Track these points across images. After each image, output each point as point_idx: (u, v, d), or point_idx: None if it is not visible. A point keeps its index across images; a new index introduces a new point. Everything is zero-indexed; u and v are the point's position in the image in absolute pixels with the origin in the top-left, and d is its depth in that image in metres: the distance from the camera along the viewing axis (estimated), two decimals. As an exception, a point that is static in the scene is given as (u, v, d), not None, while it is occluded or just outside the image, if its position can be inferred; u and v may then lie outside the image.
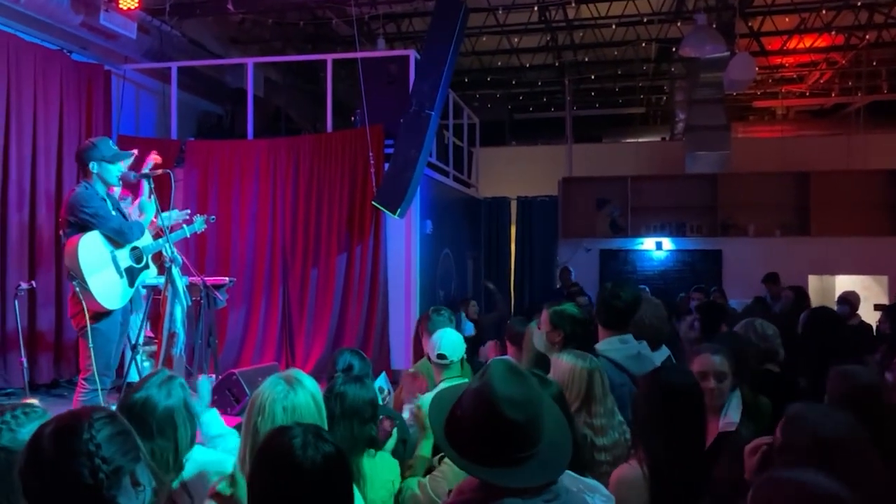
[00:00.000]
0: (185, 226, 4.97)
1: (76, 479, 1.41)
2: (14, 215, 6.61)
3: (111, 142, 4.40)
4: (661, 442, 2.31)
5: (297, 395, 2.06)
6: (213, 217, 5.55)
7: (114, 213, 4.40)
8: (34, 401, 4.99)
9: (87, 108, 7.54)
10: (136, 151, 4.71)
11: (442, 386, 3.33)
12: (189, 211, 5.27)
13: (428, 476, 2.49)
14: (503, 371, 1.67)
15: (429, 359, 3.69)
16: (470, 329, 7.84)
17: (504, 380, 1.63)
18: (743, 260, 11.11)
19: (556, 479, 1.67)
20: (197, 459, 2.45)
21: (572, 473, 1.80)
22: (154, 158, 4.94)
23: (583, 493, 1.87)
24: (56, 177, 7.06)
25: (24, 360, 4.96)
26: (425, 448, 2.67)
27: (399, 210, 6.94)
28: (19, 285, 4.89)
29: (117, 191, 5.49)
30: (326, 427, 2.16)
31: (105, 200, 4.32)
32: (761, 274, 9.23)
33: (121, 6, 7.00)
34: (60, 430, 1.45)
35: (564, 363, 2.80)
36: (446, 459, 2.50)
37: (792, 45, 12.05)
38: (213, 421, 2.76)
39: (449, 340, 3.57)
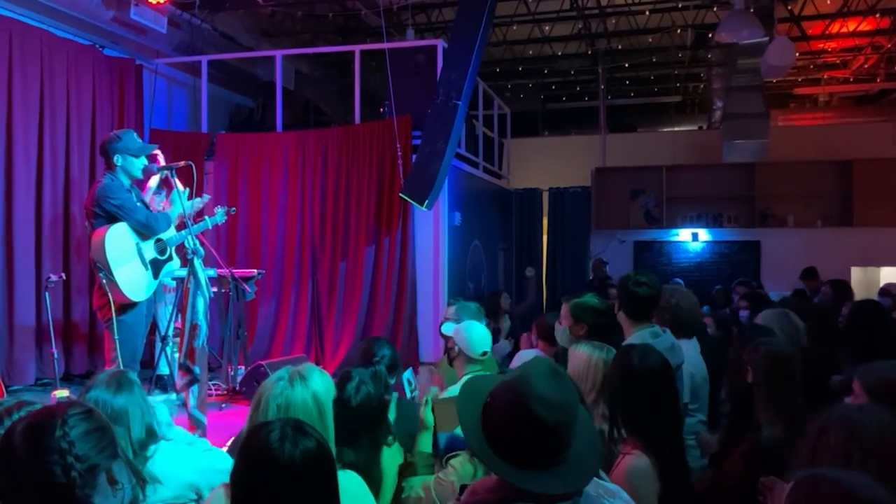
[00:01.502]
0: (206, 217, 4.98)
1: (48, 478, 1.37)
2: (48, 209, 6.71)
3: (135, 135, 4.42)
4: (655, 429, 2.33)
5: (294, 391, 2.01)
6: (234, 209, 5.56)
7: (139, 205, 4.43)
8: (66, 391, 5.06)
9: (119, 102, 7.62)
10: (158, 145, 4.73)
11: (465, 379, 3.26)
12: (209, 196, 5.27)
13: (433, 478, 2.42)
14: (543, 370, 1.61)
15: (451, 354, 3.58)
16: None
17: (542, 378, 1.57)
18: (782, 252, 10.82)
19: (582, 488, 1.61)
20: (219, 468, 2.39)
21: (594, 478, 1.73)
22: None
23: (602, 498, 1.79)
24: (89, 171, 7.16)
25: (55, 350, 5.02)
26: (424, 443, 2.60)
27: (426, 202, 6.88)
28: (49, 277, 4.95)
29: (155, 183, 5.54)
30: (330, 427, 2.10)
31: (130, 192, 4.34)
32: (802, 266, 8.97)
33: (150, 0, 7.05)
34: (32, 427, 1.40)
35: (580, 353, 2.75)
36: (452, 461, 2.43)
37: (834, 29, 11.65)
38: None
39: (481, 335, 3.49)
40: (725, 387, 3.45)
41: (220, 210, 5.27)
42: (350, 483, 2.14)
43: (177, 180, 4.74)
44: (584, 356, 2.74)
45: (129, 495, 1.48)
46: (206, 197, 5.21)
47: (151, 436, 2.27)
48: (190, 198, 4.87)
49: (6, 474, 1.38)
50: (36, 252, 6.59)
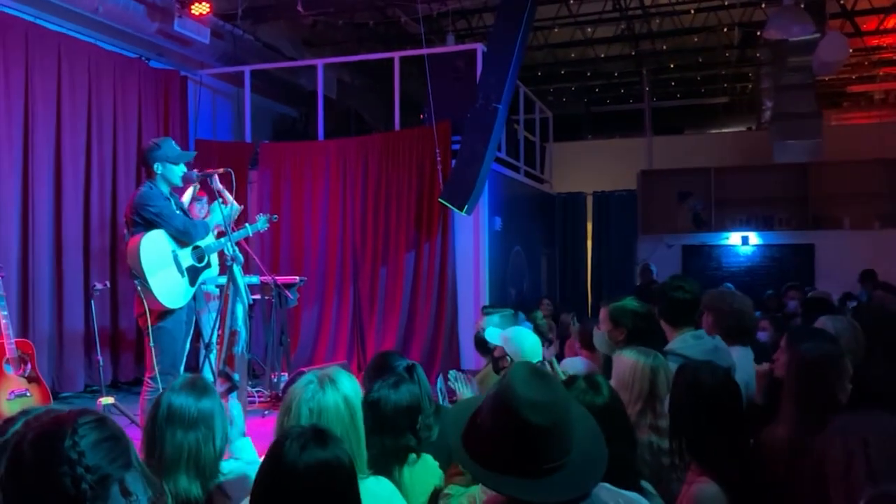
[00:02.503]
0: (247, 224, 4.99)
1: (57, 489, 1.31)
2: (96, 219, 6.86)
3: (174, 142, 4.45)
4: (724, 453, 2.15)
5: (325, 395, 1.96)
6: (276, 216, 5.56)
7: (178, 212, 4.45)
8: (111, 399, 5.13)
9: (165, 113, 7.77)
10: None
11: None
12: (240, 207, 5.30)
13: (477, 489, 2.31)
14: (525, 374, 1.52)
15: (501, 364, 3.45)
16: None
17: (525, 382, 1.49)
18: (838, 255, 10.44)
19: (588, 493, 1.50)
20: (240, 463, 2.39)
21: (610, 486, 1.62)
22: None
23: None
24: (136, 181, 7.28)
25: (101, 358, 5.11)
26: None
27: (466, 207, 6.82)
28: (94, 286, 5.03)
29: (189, 195, 5.61)
30: (361, 430, 2.05)
31: (169, 200, 4.37)
32: (859, 269, 8.64)
33: (193, 12, 7.16)
34: (41, 436, 1.35)
35: (626, 360, 2.62)
36: (447, 490, 2.33)
37: (890, 24, 11.23)
38: (245, 448, 2.66)
39: (533, 343, 3.38)
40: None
41: (261, 217, 5.28)
42: (381, 489, 2.08)
43: (221, 185, 4.79)
44: (630, 363, 2.61)
45: None
46: (239, 207, 5.23)
47: (226, 442, 2.26)
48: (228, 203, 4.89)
49: (16, 485, 1.34)
50: (84, 261, 6.73)
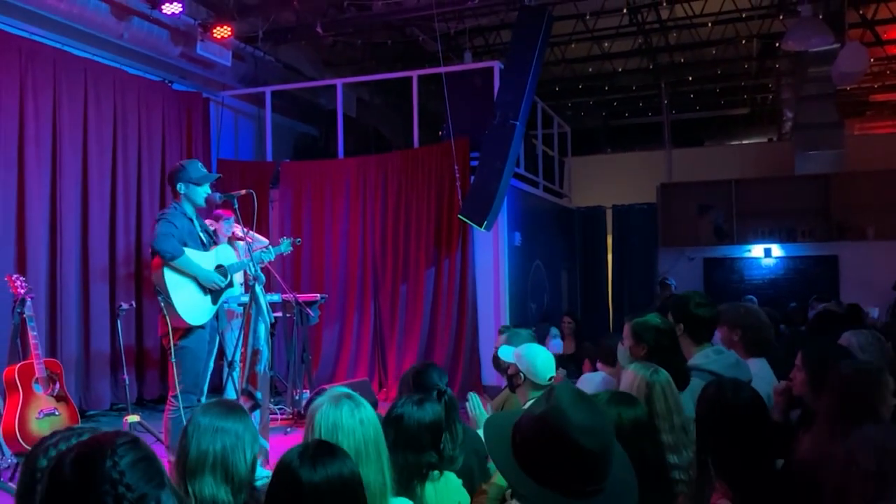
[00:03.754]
0: (270, 247, 5.05)
1: None
2: (121, 240, 6.98)
3: (199, 164, 4.53)
4: (750, 471, 2.14)
5: (341, 413, 2.00)
6: (300, 240, 5.64)
7: (202, 234, 4.52)
8: (136, 417, 5.20)
9: (188, 134, 7.91)
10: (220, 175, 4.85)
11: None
12: (266, 241, 5.39)
13: None
14: (572, 397, 1.56)
15: (516, 381, 3.47)
16: (558, 346, 7.61)
17: (575, 406, 1.53)
18: (863, 266, 10.33)
19: None
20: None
21: None
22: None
23: None
24: (160, 202, 7.42)
25: (126, 377, 5.19)
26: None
27: (485, 222, 6.85)
28: (120, 305, 5.12)
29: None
30: (385, 454, 2.07)
31: (192, 221, 4.45)
32: (883, 280, 8.54)
33: (215, 35, 7.31)
34: (82, 457, 1.40)
35: (628, 373, 2.63)
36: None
37: (912, 32, 11.14)
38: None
39: (546, 360, 3.39)
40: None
41: (285, 240, 5.35)
42: None
43: (237, 226, 4.84)
44: (629, 376, 2.62)
45: None
46: (262, 241, 5.33)
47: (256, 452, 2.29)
48: (248, 225, 4.94)
49: None
50: (110, 283, 6.85)
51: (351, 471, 1.64)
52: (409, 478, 2.36)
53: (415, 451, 2.40)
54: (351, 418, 2.00)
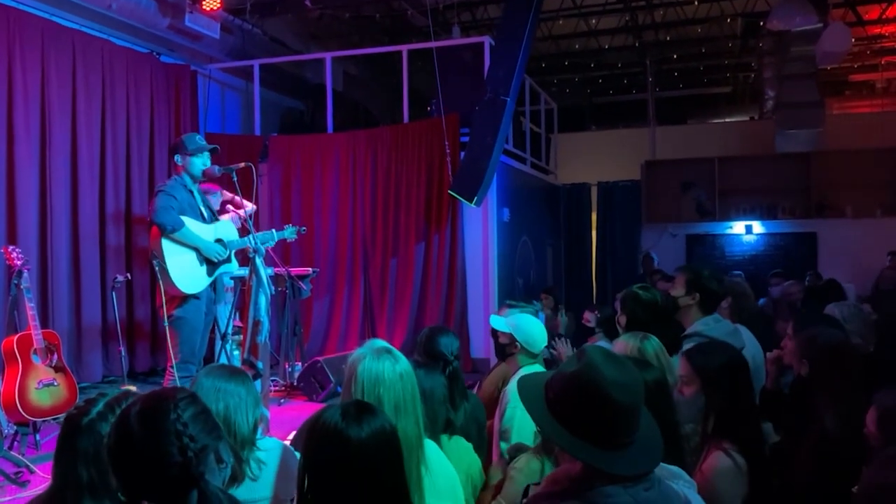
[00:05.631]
0: (273, 231, 5.10)
1: (166, 459, 1.46)
2: (111, 212, 6.96)
3: (198, 136, 4.56)
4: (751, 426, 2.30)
5: (382, 365, 2.08)
6: (305, 228, 5.71)
7: (202, 208, 4.55)
8: (132, 387, 5.26)
9: (176, 107, 7.85)
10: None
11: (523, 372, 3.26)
12: (254, 207, 5.44)
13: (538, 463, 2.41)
14: (603, 356, 1.65)
15: (506, 349, 3.57)
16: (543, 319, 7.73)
17: (608, 364, 1.61)
18: (840, 243, 10.57)
19: (655, 467, 1.65)
20: (275, 440, 2.51)
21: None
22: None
23: (667, 479, 1.82)
24: (148, 174, 7.40)
25: (123, 349, 5.20)
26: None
27: (475, 198, 6.92)
28: (116, 277, 5.13)
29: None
30: (416, 404, 2.15)
31: (191, 193, 4.48)
32: (861, 256, 8.77)
33: (204, 7, 7.25)
34: (147, 411, 1.49)
35: (619, 343, 2.75)
36: (515, 464, 2.43)
37: (892, 13, 11.28)
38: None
39: (541, 330, 3.49)
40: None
41: (290, 227, 5.40)
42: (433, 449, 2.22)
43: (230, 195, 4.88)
44: (620, 346, 2.73)
45: (228, 474, 1.57)
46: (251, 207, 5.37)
47: (258, 415, 2.36)
48: (244, 197, 4.98)
49: (125, 457, 1.48)
50: (100, 255, 6.84)
51: (392, 425, 1.73)
52: (432, 428, 2.47)
53: (436, 402, 2.53)
54: (392, 372, 2.08)
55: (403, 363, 2.14)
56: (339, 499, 1.61)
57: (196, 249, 4.37)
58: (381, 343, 2.23)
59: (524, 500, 1.76)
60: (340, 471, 1.62)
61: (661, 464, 1.78)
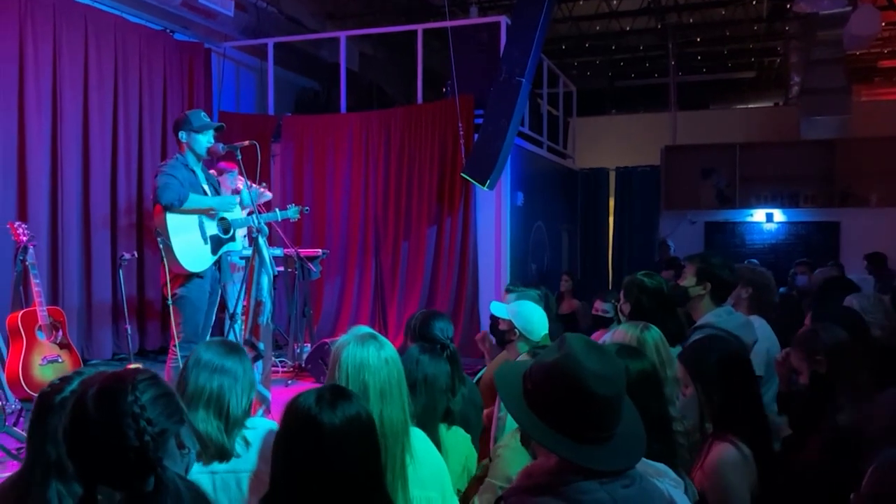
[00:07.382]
0: (277, 210, 5.06)
1: (122, 442, 1.40)
2: (122, 190, 6.95)
3: (203, 113, 4.48)
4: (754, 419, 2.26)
5: (367, 352, 2.02)
6: (308, 208, 5.67)
7: (205, 186, 4.50)
8: (139, 366, 5.25)
9: (189, 85, 7.81)
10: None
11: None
12: (270, 195, 5.38)
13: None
14: (584, 346, 1.56)
15: (505, 336, 3.49)
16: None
17: (588, 355, 1.53)
18: (864, 233, 10.32)
19: (636, 464, 1.56)
20: (266, 420, 2.47)
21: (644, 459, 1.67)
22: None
23: (651, 477, 1.74)
24: (161, 151, 7.37)
25: (129, 327, 5.20)
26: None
27: (488, 182, 6.81)
28: (122, 255, 5.11)
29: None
30: (402, 390, 2.09)
31: (195, 172, 4.42)
32: (885, 248, 8.54)
33: (218, -17, 7.17)
34: (104, 392, 1.43)
35: (618, 332, 2.66)
36: (500, 451, 2.36)
37: (925, -4, 10.95)
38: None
39: (541, 317, 3.40)
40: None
41: (292, 207, 5.34)
42: (419, 438, 2.16)
43: (240, 178, 4.83)
44: (619, 335, 2.64)
45: (193, 460, 1.51)
46: (267, 195, 5.31)
47: (252, 396, 2.32)
48: (252, 178, 4.92)
49: (81, 438, 1.42)
50: (111, 232, 6.83)
51: (367, 412, 1.66)
52: (430, 418, 2.43)
53: (438, 391, 2.49)
54: (377, 358, 2.03)
55: (389, 349, 2.08)
56: (309, 485, 1.56)
57: (208, 212, 4.34)
58: (365, 329, 2.17)
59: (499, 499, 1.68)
60: (311, 456, 1.56)
61: (647, 461, 1.70)
